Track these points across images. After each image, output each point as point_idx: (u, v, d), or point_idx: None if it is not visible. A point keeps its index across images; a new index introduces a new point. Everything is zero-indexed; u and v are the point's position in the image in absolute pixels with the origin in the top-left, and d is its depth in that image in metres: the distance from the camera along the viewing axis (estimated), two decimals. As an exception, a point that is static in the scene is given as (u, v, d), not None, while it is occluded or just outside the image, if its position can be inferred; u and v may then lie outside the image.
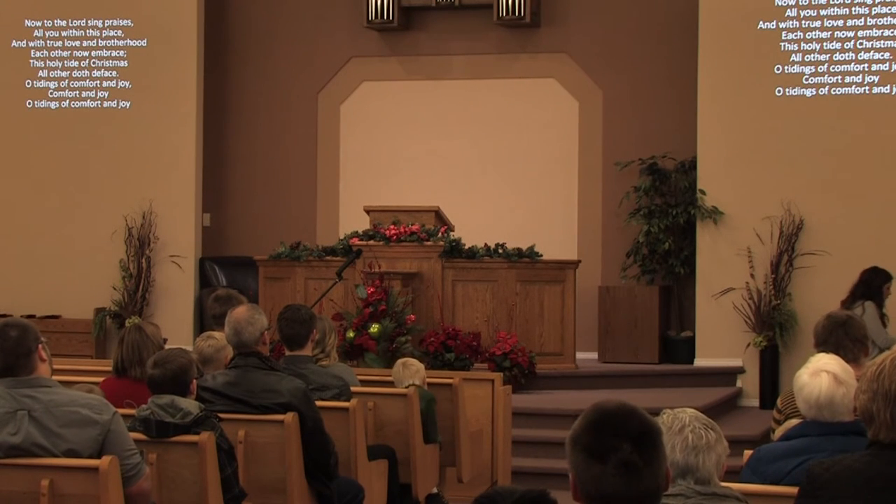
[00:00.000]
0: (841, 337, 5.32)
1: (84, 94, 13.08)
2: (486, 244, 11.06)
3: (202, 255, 13.10)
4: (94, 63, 13.07)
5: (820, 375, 4.30)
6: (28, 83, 13.15)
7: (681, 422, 3.42)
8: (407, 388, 7.05)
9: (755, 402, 11.23)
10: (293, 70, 13.59)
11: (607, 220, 12.66)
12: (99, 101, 13.05)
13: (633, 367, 11.53)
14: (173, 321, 12.30)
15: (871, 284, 9.66)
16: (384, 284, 10.47)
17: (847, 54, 11.37)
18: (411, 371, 7.28)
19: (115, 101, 13.01)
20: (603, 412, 2.61)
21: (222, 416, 5.48)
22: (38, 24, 13.16)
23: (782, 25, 11.50)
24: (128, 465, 4.51)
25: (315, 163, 13.61)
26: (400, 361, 7.47)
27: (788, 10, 11.49)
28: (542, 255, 11.02)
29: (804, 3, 11.45)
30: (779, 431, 4.95)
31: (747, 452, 4.39)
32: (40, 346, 4.52)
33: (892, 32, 11.31)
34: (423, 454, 7.04)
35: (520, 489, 2.57)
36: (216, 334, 6.26)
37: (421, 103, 13.28)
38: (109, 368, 6.11)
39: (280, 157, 13.66)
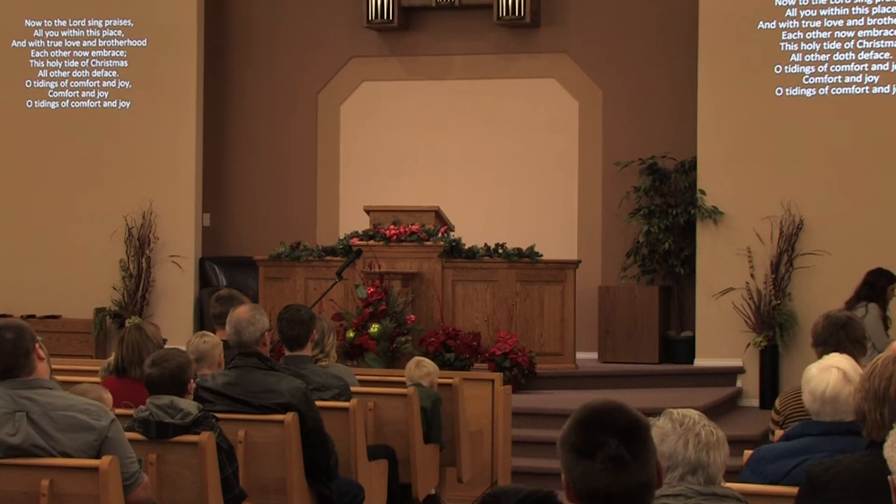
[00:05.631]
0: (841, 338, 5.32)
1: (84, 94, 13.08)
2: (486, 244, 11.07)
3: (202, 255, 13.10)
4: (94, 63, 13.07)
5: (829, 371, 4.31)
6: (28, 83, 13.15)
7: (691, 419, 3.42)
8: (409, 388, 7.06)
9: (755, 402, 11.23)
10: (293, 70, 13.59)
11: (607, 220, 12.66)
12: (99, 101, 13.05)
13: (633, 367, 11.52)
14: (173, 321, 12.31)
15: (875, 286, 9.65)
16: (384, 284, 10.47)
17: (847, 54, 11.37)
18: (422, 372, 7.28)
19: (115, 101, 13.01)
20: (590, 410, 2.62)
21: (222, 416, 5.48)
22: (38, 24, 13.17)
23: (782, 25, 11.50)
24: (125, 473, 4.48)
25: (315, 163, 13.61)
26: (415, 359, 7.46)
27: (788, 10, 11.49)
28: (542, 255, 11.02)
29: (804, 3, 11.46)
30: (778, 434, 4.96)
31: (747, 452, 4.39)
32: (37, 344, 4.51)
33: (892, 32, 11.31)
34: (423, 454, 7.04)
35: (525, 488, 2.58)
36: (210, 333, 6.27)
37: (421, 103, 13.28)
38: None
39: (280, 157, 13.67)
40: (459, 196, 12.67)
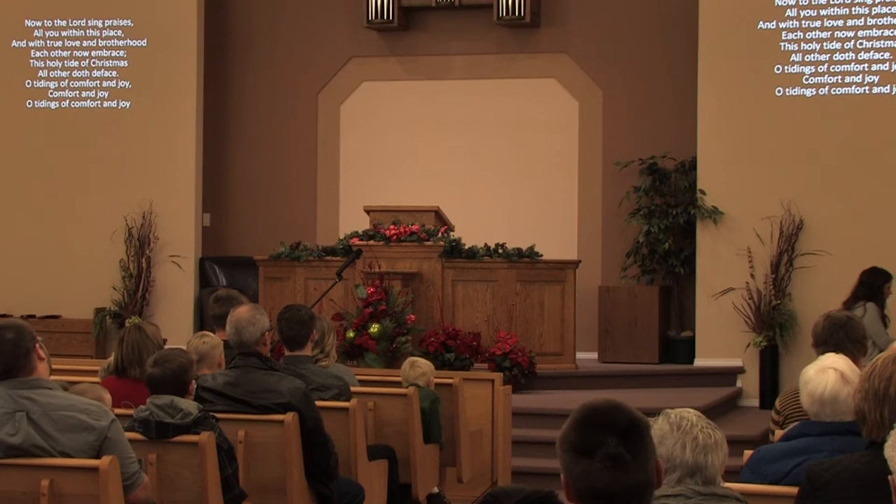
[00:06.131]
0: (842, 338, 5.32)
1: (84, 94, 13.08)
2: (486, 244, 11.06)
3: (202, 255, 13.10)
4: (94, 63, 13.07)
5: (827, 372, 4.31)
6: (28, 83, 13.15)
7: (689, 421, 3.41)
8: (407, 388, 7.06)
9: (755, 402, 11.23)
10: (293, 70, 13.59)
11: (607, 220, 12.66)
12: (99, 101, 13.05)
13: (633, 367, 11.52)
14: (173, 321, 12.30)
15: (871, 285, 9.65)
16: (384, 284, 10.47)
17: (847, 54, 11.37)
18: (417, 373, 7.28)
19: (115, 101, 13.01)
20: (589, 409, 2.62)
21: (222, 416, 5.48)
22: (38, 24, 13.17)
23: (782, 25, 11.50)
24: (125, 473, 4.48)
25: (315, 163, 13.61)
26: (409, 360, 7.46)
27: (788, 10, 11.49)
28: (542, 255, 11.02)
29: (804, 3, 11.45)
30: (778, 434, 4.96)
31: (747, 452, 4.39)
32: (37, 345, 4.51)
33: (892, 32, 11.31)
34: (423, 454, 7.04)
35: (526, 489, 2.57)
36: (210, 334, 6.27)
37: (421, 103, 13.28)
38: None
39: (280, 157, 13.66)
40: (459, 196, 12.67)
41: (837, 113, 11.33)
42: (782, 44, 11.49)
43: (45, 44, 13.16)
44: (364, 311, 10.38)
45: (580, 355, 11.25)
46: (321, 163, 13.60)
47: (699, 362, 11.59)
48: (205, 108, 13.11)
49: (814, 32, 11.43)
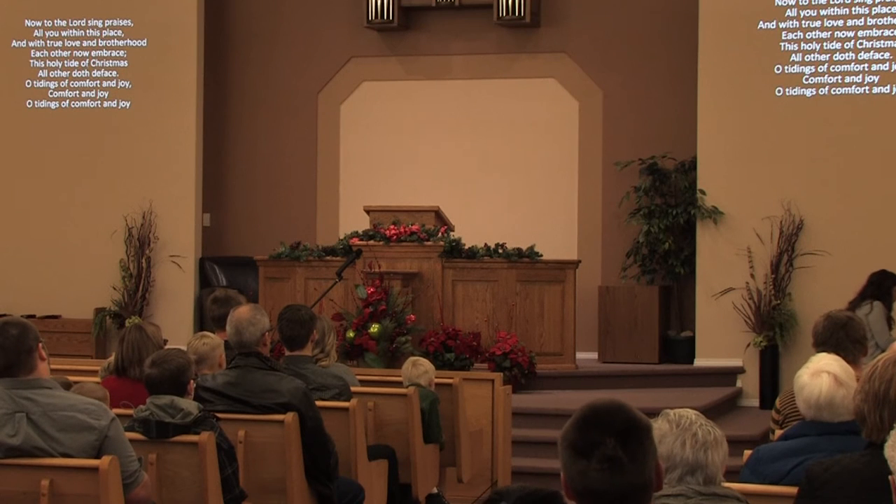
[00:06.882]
0: (841, 338, 5.31)
1: (84, 94, 13.08)
2: (486, 244, 11.07)
3: (202, 255, 13.10)
4: (94, 63, 13.07)
5: (820, 376, 4.29)
6: (28, 83, 13.15)
7: (688, 419, 3.42)
8: (408, 388, 7.06)
9: (755, 402, 11.23)
10: (293, 70, 13.59)
11: (607, 220, 12.66)
12: (99, 101, 13.05)
13: (633, 367, 11.52)
14: (173, 321, 12.30)
15: (881, 286, 9.67)
16: (384, 284, 10.47)
17: (847, 54, 11.37)
18: (419, 371, 7.28)
19: (115, 101, 13.01)
20: (591, 409, 2.62)
21: (223, 415, 5.48)
22: (38, 24, 13.17)
23: (782, 25, 11.50)
24: (125, 472, 4.48)
25: (315, 163, 13.61)
26: (410, 359, 7.46)
27: (788, 10, 11.49)
28: (542, 255, 11.02)
29: (804, 3, 11.45)
30: (778, 433, 4.95)
31: (747, 452, 4.39)
32: (40, 345, 4.51)
33: (892, 32, 11.31)
34: (423, 454, 7.04)
35: (530, 487, 2.57)
36: (210, 334, 6.27)
37: (421, 103, 13.28)
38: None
39: (280, 157, 13.66)
40: (459, 196, 12.67)
41: (837, 113, 11.33)
42: (782, 44, 11.49)
43: (45, 44, 13.16)
44: (364, 311, 10.38)
45: (580, 355, 11.25)
46: (321, 163, 13.60)
47: (699, 362, 11.59)
48: (205, 108, 13.11)
49: (814, 32, 11.43)
